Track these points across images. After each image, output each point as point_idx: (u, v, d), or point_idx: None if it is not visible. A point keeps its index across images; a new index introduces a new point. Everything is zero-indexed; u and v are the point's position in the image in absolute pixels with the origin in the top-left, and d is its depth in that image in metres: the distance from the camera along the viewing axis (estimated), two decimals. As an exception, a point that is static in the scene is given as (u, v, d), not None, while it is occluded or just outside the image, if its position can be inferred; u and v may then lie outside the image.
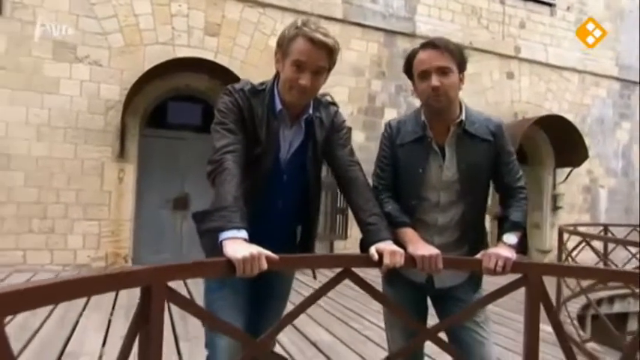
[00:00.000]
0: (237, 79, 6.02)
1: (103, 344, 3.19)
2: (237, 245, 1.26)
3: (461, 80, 1.71)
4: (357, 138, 7.46)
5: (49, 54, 5.86)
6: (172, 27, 6.48)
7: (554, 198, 9.20)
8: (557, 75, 9.34)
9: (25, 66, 5.76)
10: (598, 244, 5.71)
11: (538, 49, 9.11)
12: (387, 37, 7.86)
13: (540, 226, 9.05)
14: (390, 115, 7.75)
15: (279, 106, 1.59)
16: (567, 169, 9.01)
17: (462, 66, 1.70)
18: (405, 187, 1.74)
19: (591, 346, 3.64)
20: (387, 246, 1.48)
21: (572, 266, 2.04)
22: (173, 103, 6.91)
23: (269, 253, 1.28)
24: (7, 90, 5.70)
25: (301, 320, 3.95)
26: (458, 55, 1.67)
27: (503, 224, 1.69)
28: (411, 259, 1.52)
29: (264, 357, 1.41)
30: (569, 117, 8.81)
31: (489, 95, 8.65)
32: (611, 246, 5.72)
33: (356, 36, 7.63)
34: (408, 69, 1.73)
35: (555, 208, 9.20)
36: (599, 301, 5.27)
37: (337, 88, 7.43)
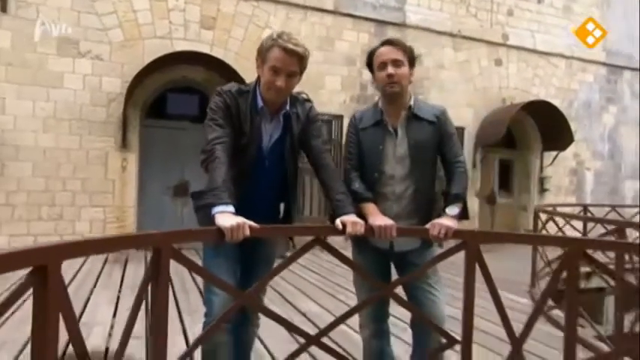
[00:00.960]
0: (231, 70, 6.33)
1: (114, 316, 3.57)
2: (226, 217, 1.60)
3: (411, 74, 2.06)
4: (349, 125, 7.76)
5: (53, 50, 6.15)
6: (170, 21, 6.75)
7: (542, 181, 9.53)
8: (545, 61, 9.60)
9: (31, 62, 6.06)
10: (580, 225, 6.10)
11: (526, 35, 9.35)
12: (378, 28, 8.11)
13: (527, 208, 9.39)
14: (381, 102, 8.05)
15: (260, 103, 1.92)
16: (554, 153, 9.33)
17: (412, 62, 2.05)
18: (367, 163, 2.08)
19: (556, 313, 4.01)
20: (350, 218, 1.83)
21: (506, 233, 2.39)
22: (172, 94, 7.22)
23: (251, 222, 1.62)
24: (14, 85, 6.00)
25: (293, 294, 4.37)
26: (409, 53, 2.03)
27: (447, 197, 2.03)
28: (370, 229, 1.87)
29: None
30: (556, 102, 9.10)
31: (477, 82, 8.92)
32: (590, 226, 6.09)
33: (347, 27, 7.89)
34: (369, 63, 2.07)
35: (542, 190, 9.54)
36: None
37: (330, 77, 7.73)
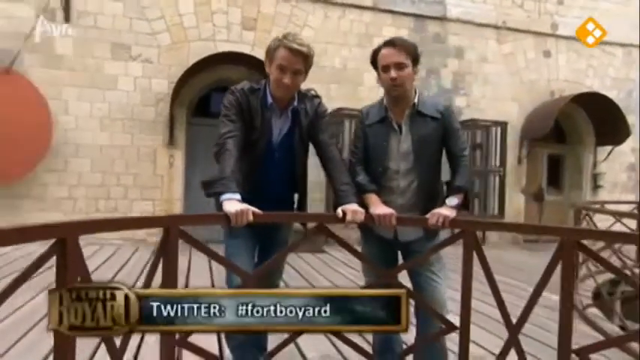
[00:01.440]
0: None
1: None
2: (232, 203, 1.78)
3: (415, 72, 2.12)
4: (388, 121, 7.78)
5: (108, 54, 6.66)
6: (213, 24, 7.10)
7: (595, 177, 9.05)
8: (600, 50, 9.09)
9: (89, 66, 6.60)
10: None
11: (577, 24, 8.89)
12: (418, 22, 8.05)
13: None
14: (421, 98, 7.99)
15: (269, 100, 2.06)
16: (608, 148, 8.83)
17: (415, 61, 2.11)
18: (373, 158, 2.17)
19: (592, 312, 3.89)
20: (351, 206, 1.94)
21: (503, 222, 2.39)
22: (216, 93, 7.57)
23: (254, 209, 1.78)
24: (76, 88, 6.57)
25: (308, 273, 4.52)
26: (412, 53, 2.09)
27: (449, 189, 2.09)
28: (370, 217, 1.97)
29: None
30: (613, 93, 8.61)
31: (524, 75, 8.62)
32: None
33: (386, 23, 7.90)
34: (374, 62, 2.15)
35: (596, 187, 9.05)
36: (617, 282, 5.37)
37: (368, 74, 7.74)
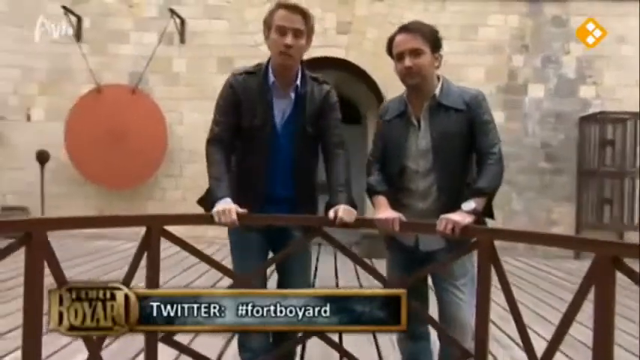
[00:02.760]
0: (360, 71, 6.48)
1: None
2: (219, 204, 1.77)
3: (436, 59, 1.87)
4: (497, 118, 7.06)
5: (214, 69, 7.28)
6: (309, 31, 7.27)
7: None
8: None
9: (200, 80, 7.29)
10: None
11: None
12: (533, 5, 7.18)
13: None
14: (535, 91, 7.12)
15: (271, 78, 1.94)
16: None
17: (435, 47, 1.85)
18: (390, 156, 1.97)
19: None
20: (344, 207, 1.79)
21: (524, 231, 1.91)
22: (313, 99, 7.73)
23: (239, 209, 1.74)
24: (189, 101, 7.31)
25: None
26: (430, 37, 1.84)
27: (468, 191, 1.78)
28: (369, 221, 1.79)
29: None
30: None
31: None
32: None
33: (493, 10, 7.21)
34: (389, 50, 1.94)
35: None
36: None
37: (472, 68, 7.18)
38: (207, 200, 1.89)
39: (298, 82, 1.94)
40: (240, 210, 1.74)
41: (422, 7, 7.24)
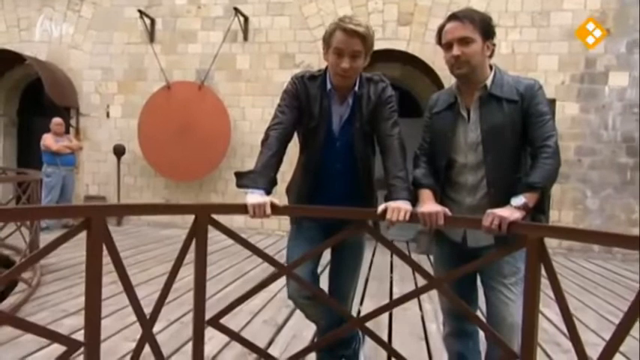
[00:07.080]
0: (424, 64, 6.30)
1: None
2: (255, 196, 1.83)
3: (488, 47, 1.78)
4: (570, 110, 6.61)
5: (276, 64, 7.43)
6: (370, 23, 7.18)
7: None
8: None
9: (262, 76, 7.48)
10: None
11: None
12: (619, -15, 6.57)
13: None
14: (617, 79, 6.52)
15: (329, 86, 2.00)
16: None
17: (487, 35, 1.77)
18: (437, 150, 1.91)
19: None
20: (396, 203, 1.76)
21: (576, 229, 1.74)
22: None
23: (274, 200, 1.80)
24: (250, 97, 7.54)
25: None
26: (481, 25, 1.76)
27: (518, 185, 1.68)
28: (414, 216, 1.75)
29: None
30: None
31: None
32: None
33: (569, -6, 6.69)
34: (439, 40, 1.88)
35: None
36: None
37: (544, 56, 6.74)
38: (242, 177, 1.96)
39: (356, 88, 1.98)
40: (276, 203, 1.78)
41: (488, -6, 6.88)
